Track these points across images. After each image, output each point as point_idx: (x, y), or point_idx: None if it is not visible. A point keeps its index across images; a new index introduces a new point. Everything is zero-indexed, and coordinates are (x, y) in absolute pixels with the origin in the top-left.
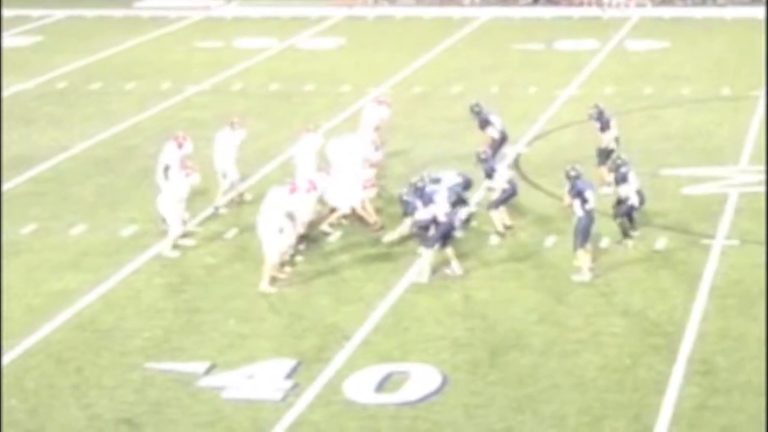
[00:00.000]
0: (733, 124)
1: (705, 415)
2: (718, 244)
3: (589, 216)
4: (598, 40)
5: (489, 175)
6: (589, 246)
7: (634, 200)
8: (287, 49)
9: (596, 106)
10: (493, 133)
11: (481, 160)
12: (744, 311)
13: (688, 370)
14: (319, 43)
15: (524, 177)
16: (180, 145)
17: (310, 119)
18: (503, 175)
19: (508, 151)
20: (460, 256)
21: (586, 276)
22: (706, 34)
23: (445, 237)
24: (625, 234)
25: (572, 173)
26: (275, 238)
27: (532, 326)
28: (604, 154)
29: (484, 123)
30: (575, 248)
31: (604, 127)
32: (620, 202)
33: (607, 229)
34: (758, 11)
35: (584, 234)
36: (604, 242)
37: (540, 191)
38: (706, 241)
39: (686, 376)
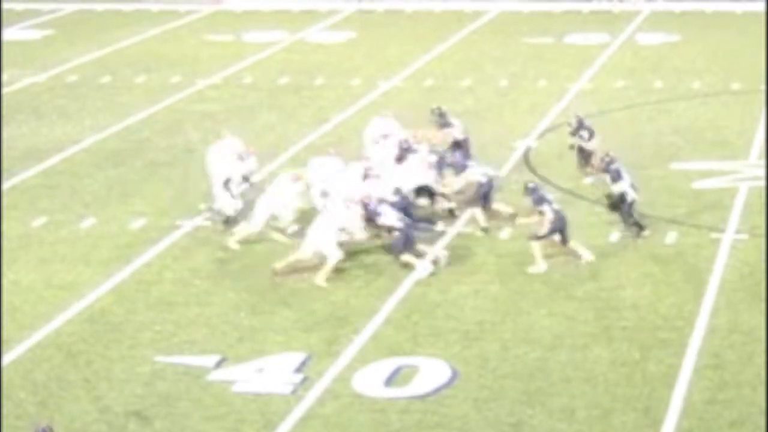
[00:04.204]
0: (744, 118)
1: (715, 408)
2: (727, 238)
3: (561, 216)
4: (608, 33)
5: (458, 172)
6: (545, 240)
7: (632, 195)
8: (297, 42)
9: (576, 116)
10: (455, 133)
11: (449, 164)
12: (754, 305)
13: (697, 364)
14: (329, 36)
15: (534, 170)
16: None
17: (320, 112)
18: (475, 171)
19: (518, 145)
20: (471, 249)
21: (542, 266)
22: (717, 28)
23: (407, 243)
24: (640, 227)
25: (530, 185)
26: (333, 244)
27: (542, 320)
28: (585, 156)
29: (445, 124)
30: (531, 239)
31: (591, 135)
32: (621, 200)
33: (616, 224)
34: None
35: (554, 231)
36: (614, 236)
37: (549, 184)
38: (715, 235)
39: (696, 370)
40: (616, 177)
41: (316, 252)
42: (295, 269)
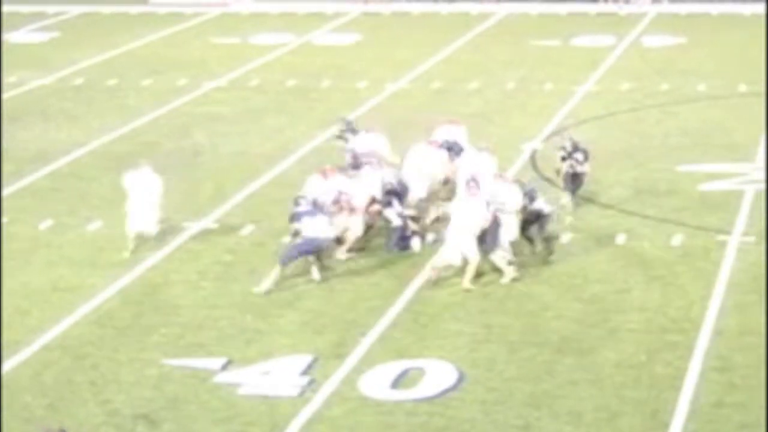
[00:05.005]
0: (750, 121)
1: (722, 411)
2: (734, 241)
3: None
4: (615, 35)
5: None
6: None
7: (547, 209)
8: (304, 44)
9: (570, 138)
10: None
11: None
12: (761, 308)
13: (705, 367)
14: (336, 38)
15: (540, 173)
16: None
17: (327, 115)
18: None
19: (525, 147)
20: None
21: (511, 274)
22: (724, 30)
23: (304, 254)
24: (550, 252)
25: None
26: (472, 240)
27: (549, 322)
28: (577, 181)
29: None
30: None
31: (586, 157)
32: (537, 218)
33: (623, 226)
34: None
35: (495, 239)
36: (620, 239)
37: (556, 187)
38: (722, 238)
39: (703, 372)
40: (532, 198)
41: (463, 256)
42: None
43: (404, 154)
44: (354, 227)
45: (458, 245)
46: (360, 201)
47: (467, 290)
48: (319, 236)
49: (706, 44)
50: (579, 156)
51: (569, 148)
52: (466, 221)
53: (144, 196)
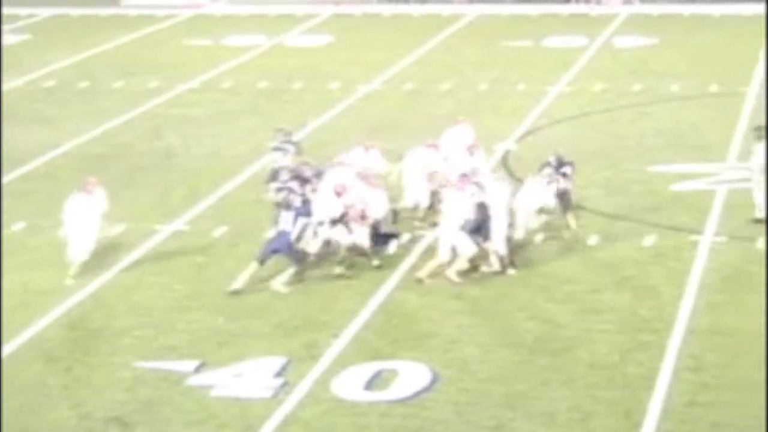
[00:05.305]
0: (722, 121)
1: (695, 411)
2: (706, 241)
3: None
4: (587, 36)
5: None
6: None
7: None
8: (276, 46)
9: (555, 154)
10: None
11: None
12: (733, 308)
13: (677, 367)
14: (307, 40)
15: (512, 174)
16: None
17: (299, 116)
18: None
19: (498, 148)
20: None
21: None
22: (695, 31)
23: (275, 249)
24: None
25: None
26: (461, 233)
27: (523, 323)
28: (567, 197)
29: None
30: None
31: (573, 169)
32: None
33: (595, 226)
34: (745, 8)
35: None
36: (593, 240)
37: None
38: (694, 238)
39: (675, 372)
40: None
41: (454, 251)
42: (436, 272)
43: (404, 156)
44: (361, 237)
45: (448, 240)
46: (375, 212)
47: (455, 282)
48: (285, 230)
49: (679, 45)
50: (567, 170)
51: (554, 163)
52: (452, 215)
53: (84, 220)
